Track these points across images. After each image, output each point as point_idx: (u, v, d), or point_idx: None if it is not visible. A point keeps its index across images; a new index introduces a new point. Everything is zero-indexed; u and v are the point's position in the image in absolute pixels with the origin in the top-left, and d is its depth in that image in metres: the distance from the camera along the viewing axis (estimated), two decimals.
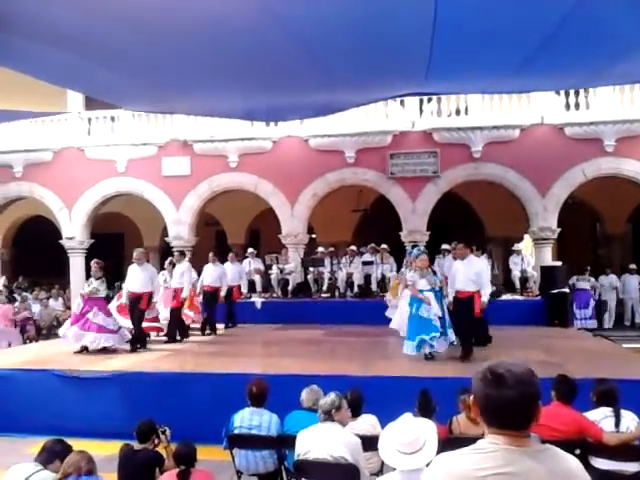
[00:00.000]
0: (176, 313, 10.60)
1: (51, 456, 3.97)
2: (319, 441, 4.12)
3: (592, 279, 14.73)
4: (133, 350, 9.28)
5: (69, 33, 5.04)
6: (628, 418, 4.52)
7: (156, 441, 4.76)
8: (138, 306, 9.51)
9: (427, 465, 3.21)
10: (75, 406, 7.31)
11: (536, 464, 1.70)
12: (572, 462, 1.77)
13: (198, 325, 11.62)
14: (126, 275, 9.84)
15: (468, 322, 8.19)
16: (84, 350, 9.14)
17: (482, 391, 1.77)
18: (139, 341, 9.53)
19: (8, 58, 5.85)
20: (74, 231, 16.37)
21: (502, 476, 1.68)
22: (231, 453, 4.93)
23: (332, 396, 4.28)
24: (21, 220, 20.06)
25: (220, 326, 12.00)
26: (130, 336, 9.56)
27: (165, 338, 10.46)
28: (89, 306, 9.32)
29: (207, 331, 11.49)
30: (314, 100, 7.92)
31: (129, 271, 9.73)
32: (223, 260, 12.42)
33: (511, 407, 1.73)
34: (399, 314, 9.59)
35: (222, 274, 11.92)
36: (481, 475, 1.69)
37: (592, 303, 14.09)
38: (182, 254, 11.51)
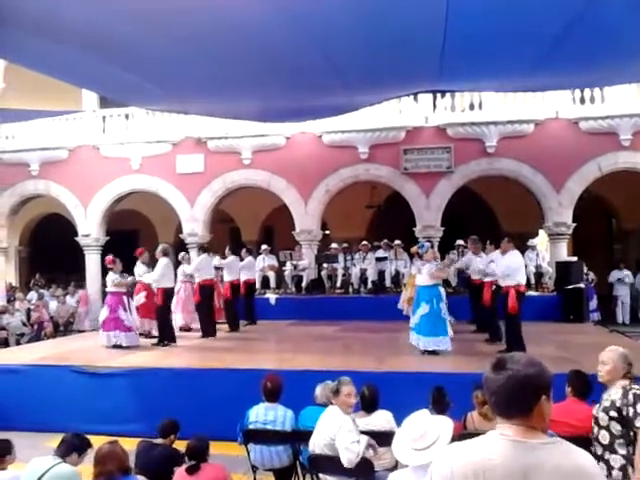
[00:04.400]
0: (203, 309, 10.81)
1: (69, 449, 4.06)
2: (318, 428, 4.20)
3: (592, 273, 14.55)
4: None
5: (86, 32, 5.07)
6: None
7: (172, 437, 4.85)
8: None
9: None
10: (92, 401, 7.40)
11: (542, 457, 1.70)
12: (583, 457, 1.76)
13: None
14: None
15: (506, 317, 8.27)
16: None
17: (485, 376, 1.82)
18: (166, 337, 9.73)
19: (25, 56, 5.92)
20: (90, 228, 16.52)
21: (507, 467, 1.69)
22: (246, 448, 4.97)
23: (328, 383, 4.39)
24: (38, 218, 20.28)
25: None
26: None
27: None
28: (115, 303, 9.51)
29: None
30: (330, 101, 7.91)
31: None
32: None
33: (502, 389, 1.76)
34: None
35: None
36: (487, 465, 1.71)
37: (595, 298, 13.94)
38: (202, 249, 11.57)
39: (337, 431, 4.10)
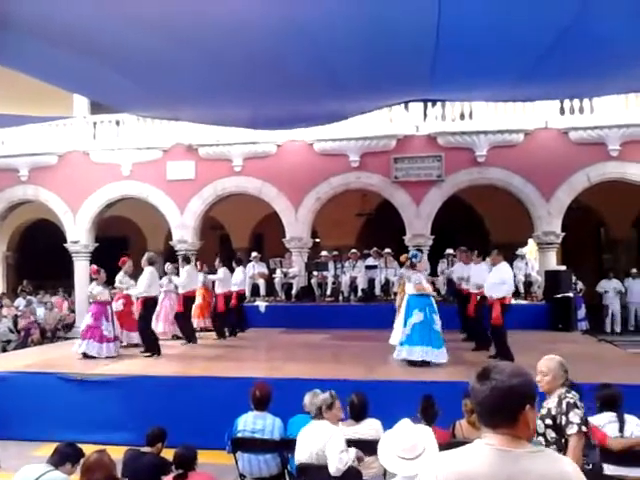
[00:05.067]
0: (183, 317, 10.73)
1: (63, 459, 4.02)
2: (306, 440, 4.19)
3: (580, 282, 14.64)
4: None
5: (79, 36, 5.06)
6: (632, 423, 4.52)
7: (160, 446, 4.81)
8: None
9: None
10: (80, 409, 7.33)
11: (528, 466, 1.71)
12: (567, 465, 1.77)
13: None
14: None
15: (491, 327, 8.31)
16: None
17: (471, 386, 1.83)
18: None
19: (16, 59, 5.88)
20: (79, 235, 16.42)
21: (492, 477, 1.70)
22: (234, 457, 4.94)
23: (326, 395, 4.39)
24: (26, 224, 20.13)
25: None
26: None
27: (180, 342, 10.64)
28: (98, 313, 9.41)
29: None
30: (321, 108, 7.93)
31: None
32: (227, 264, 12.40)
33: (486, 400, 1.77)
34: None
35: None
36: (472, 474, 1.71)
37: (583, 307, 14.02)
38: (186, 259, 11.55)
39: (327, 441, 4.10)
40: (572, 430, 3.49)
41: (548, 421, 3.60)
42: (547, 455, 1.78)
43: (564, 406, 3.58)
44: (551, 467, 1.73)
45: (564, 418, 3.55)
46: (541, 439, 3.59)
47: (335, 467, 4.00)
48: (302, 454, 4.25)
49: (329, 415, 4.36)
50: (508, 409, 1.75)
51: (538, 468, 1.71)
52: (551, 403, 3.64)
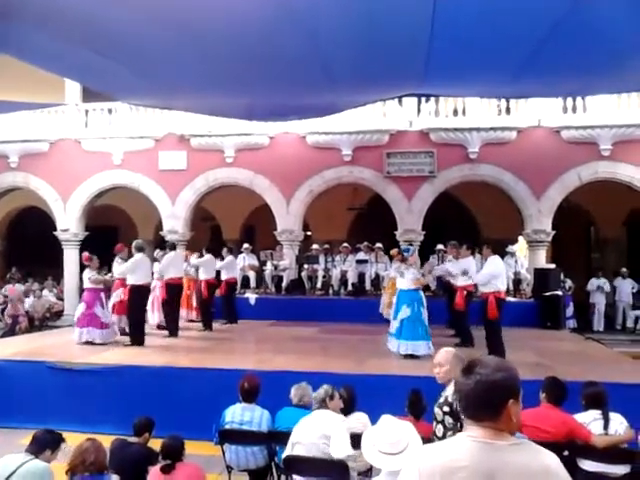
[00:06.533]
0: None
1: (41, 446, 4.00)
2: (309, 429, 4.21)
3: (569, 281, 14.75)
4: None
5: (71, 21, 5.01)
6: (617, 421, 4.56)
7: (147, 436, 4.81)
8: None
9: None
10: (68, 398, 7.32)
11: (509, 458, 1.73)
12: (549, 458, 1.78)
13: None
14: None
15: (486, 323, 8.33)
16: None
17: (456, 380, 1.89)
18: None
19: (8, 43, 5.82)
20: (69, 223, 16.34)
21: (474, 468, 1.71)
22: (222, 448, 4.95)
23: (325, 387, 4.45)
24: (16, 211, 20.01)
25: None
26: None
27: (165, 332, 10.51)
28: (92, 300, 9.41)
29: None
30: (315, 100, 7.90)
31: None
32: (216, 256, 12.36)
33: (470, 393, 1.80)
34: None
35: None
36: (453, 466, 1.73)
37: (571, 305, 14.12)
38: (171, 247, 11.44)
39: (335, 425, 4.18)
40: None
41: (446, 408, 3.71)
42: (529, 448, 1.79)
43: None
44: (532, 459, 1.75)
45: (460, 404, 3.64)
46: (440, 427, 3.70)
47: (339, 450, 4.02)
48: (301, 443, 4.22)
49: (332, 405, 4.43)
50: (492, 403, 1.77)
51: (519, 460, 1.73)
52: (448, 391, 3.74)
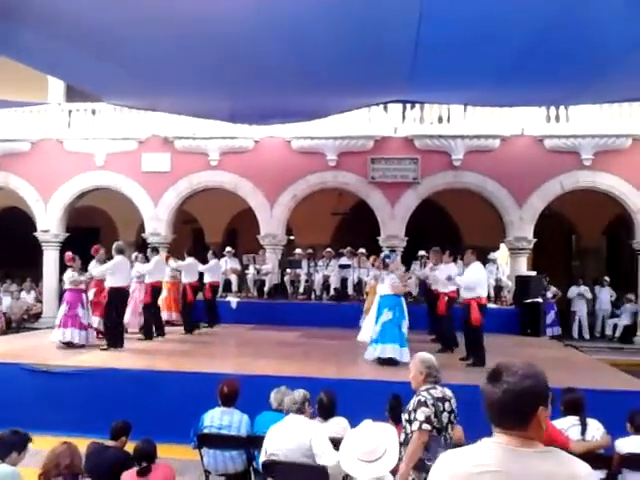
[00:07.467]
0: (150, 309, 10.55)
1: (8, 448, 3.88)
2: (284, 435, 4.16)
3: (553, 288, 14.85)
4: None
5: (58, 16, 4.97)
6: (594, 427, 4.60)
7: (123, 439, 4.75)
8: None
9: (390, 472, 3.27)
10: (43, 401, 7.20)
11: (535, 464, 1.68)
12: (579, 467, 1.73)
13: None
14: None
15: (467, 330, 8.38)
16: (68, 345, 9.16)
17: (482, 387, 1.79)
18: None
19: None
20: (49, 224, 16.14)
21: (499, 474, 1.67)
22: (200, 452, 4.90)
23: (303, 391, 4.41)
24: None
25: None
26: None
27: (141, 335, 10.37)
28: (74, 300, 9.34)
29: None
30: (300, 104, 7.90)
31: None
32: (198, 259, 12.28)
33: (498, 403, 1.72)
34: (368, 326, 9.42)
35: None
36: (477, 472, 1.69)
37: (552, 313, 14.21)
38: (154, 250, 11.42)
39: (315, 435, 4.13)
40: (414, 427, 3.64)
41: (406, 416, 3.75)
42: (557, 455, 1.73)
43: (415, 403, 3.73)
44: (560, 467, 1.69)
45: (413, 414, 3.69)
46: (402, 434, 3.73)
47: (330, 459, 3.99)
48: (277, 448, 4.17)
49: (307, 412, 4.39)
50: (521, 412, 1.71)
51: (546, 468, 1.68)
52: (412, 400, 3.78)
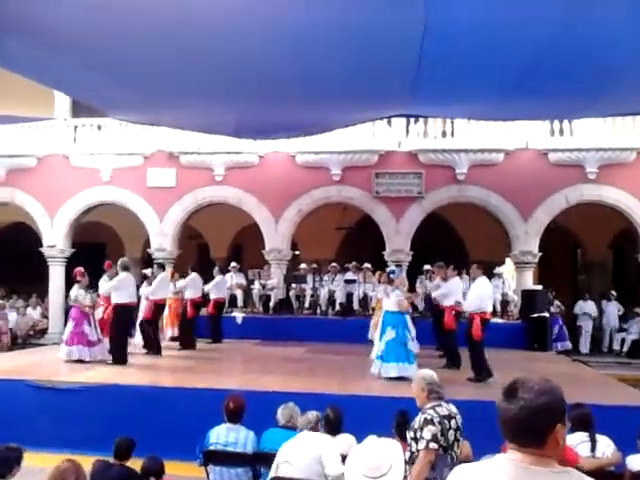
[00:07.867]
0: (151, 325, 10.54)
1: (6, 465, 3.83)
2: (303, 449, 4.14)
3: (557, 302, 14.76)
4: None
5: (61, 31, 5.01)
6: (604, 443, 4.54)
7: (128, 457, 4.72)
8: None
9: None
10: (47, 418, 7.17)
11: None
12: None
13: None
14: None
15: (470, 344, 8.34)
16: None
17: (498, 403, 1.74)
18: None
19: None
20: (55, 239, 16.19)
21: None
22: (206, 470, 4.86)
23: (315, 413, 4.45)
24: (1, 226, 19.79)
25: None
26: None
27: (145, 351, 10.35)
28: (80, 317, 9.34)
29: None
30: (304, 119, 7.94)
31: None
32: (204, 275, 12.29)
33: (513, 420, 1.68)
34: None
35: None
36: None
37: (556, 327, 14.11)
38: (161, 266, 11.43)
39: (327, 446, 4.15)
40: (420, 445, 3.61)
41: (411, 434, 3.72)
42: (573, 476, 1.67)
43: (422, 421, 3.70)
44: None
45: (419, 433, 3.66)
46: (408, 452, 3.69)
47: (336, 469, 3.94)
48: (291, 463, 4.12)
49: (319, 431, 4.41)
50: (537, 429, 1.66)
51: None
52: (418, 418, 3.75)
